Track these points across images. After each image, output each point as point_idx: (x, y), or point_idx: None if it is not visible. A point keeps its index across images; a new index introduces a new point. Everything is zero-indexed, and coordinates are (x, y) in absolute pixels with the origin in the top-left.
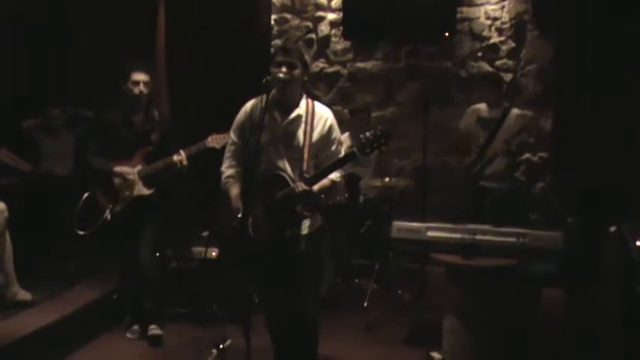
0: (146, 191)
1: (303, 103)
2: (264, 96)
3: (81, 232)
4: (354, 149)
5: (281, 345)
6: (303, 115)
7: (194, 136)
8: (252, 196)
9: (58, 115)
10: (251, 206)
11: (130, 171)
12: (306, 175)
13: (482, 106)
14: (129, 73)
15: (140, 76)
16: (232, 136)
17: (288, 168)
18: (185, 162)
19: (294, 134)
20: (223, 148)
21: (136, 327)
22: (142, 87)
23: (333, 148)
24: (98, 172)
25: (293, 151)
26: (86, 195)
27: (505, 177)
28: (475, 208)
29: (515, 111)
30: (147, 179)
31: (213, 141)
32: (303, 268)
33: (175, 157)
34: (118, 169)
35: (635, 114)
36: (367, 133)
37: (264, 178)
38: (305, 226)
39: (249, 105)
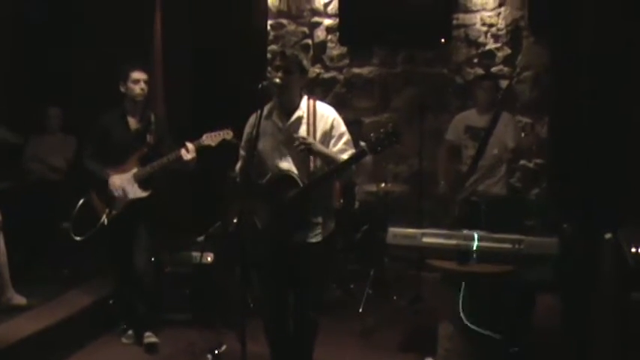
0: (142, 193)
1: (303, 104)
2: (267, 103)
3: (78, 238)
4: (365, 148)
5: (279, 350)
6: (304, 115)
7: (189, 140)
8: (259, 200)
9: (56, 114)
10: (258, 211)
11: (119, 187)
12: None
13: (470, 114)
14: (128, 73)
15: (140, 75)
16: (240, 150)
17: (295, 170)
18: (194, 154)
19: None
20: (218, 145)
21: (130, 332)
22: (142, 85)
23: (340, 145)
24: (94, 175)
25: (298, 153)
26: (82, 200)
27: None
28: (463, 223)
29: (505, 115)
30: (143, 181)
31: (208, 139)
32: (313, 275)
33: (183, 151)
34: (111, 180)
35: (632, 120)
36: (378, 132)
37: (272, 181)
38: (317, 233)
39: (253, 116)
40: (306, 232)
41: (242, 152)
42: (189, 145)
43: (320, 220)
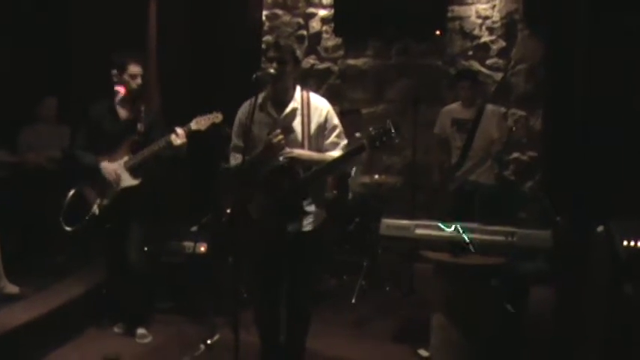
0: (133, 182)
1: (298, 95)
2: (259, 93)
3: (68, 229)
4: (364, 142)
5: (270, 341)
6: (299, 107)
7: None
8: (254, 190)
9: (53, 104)
10: (253, 201)
11: (112, 171)
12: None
13: (455, 107)
14: (126, 65)
15: (138, 69)
16: (234, 139)
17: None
18: (185, 139)
19: (291, 128)
20: (208, 130)
21: (122, 322)
22: (139, 80)
23: (333, 137)
24: (85, 166)
25: (293, 145)
26: (73, 191)
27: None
28: (456, 213)
29: (490, 107)
30: (134, 170)
31: (198, 123)
32: (305, 264)
33: (173, 136)
34: (104, 166)
35: (626, 112)
36: (377, 127)
37: (268, 171)
38: (308, 223)
39: (245, 105)
40: (299, 221)
41: (236, 141)
42: (179, 130)
43: (312, 209)
